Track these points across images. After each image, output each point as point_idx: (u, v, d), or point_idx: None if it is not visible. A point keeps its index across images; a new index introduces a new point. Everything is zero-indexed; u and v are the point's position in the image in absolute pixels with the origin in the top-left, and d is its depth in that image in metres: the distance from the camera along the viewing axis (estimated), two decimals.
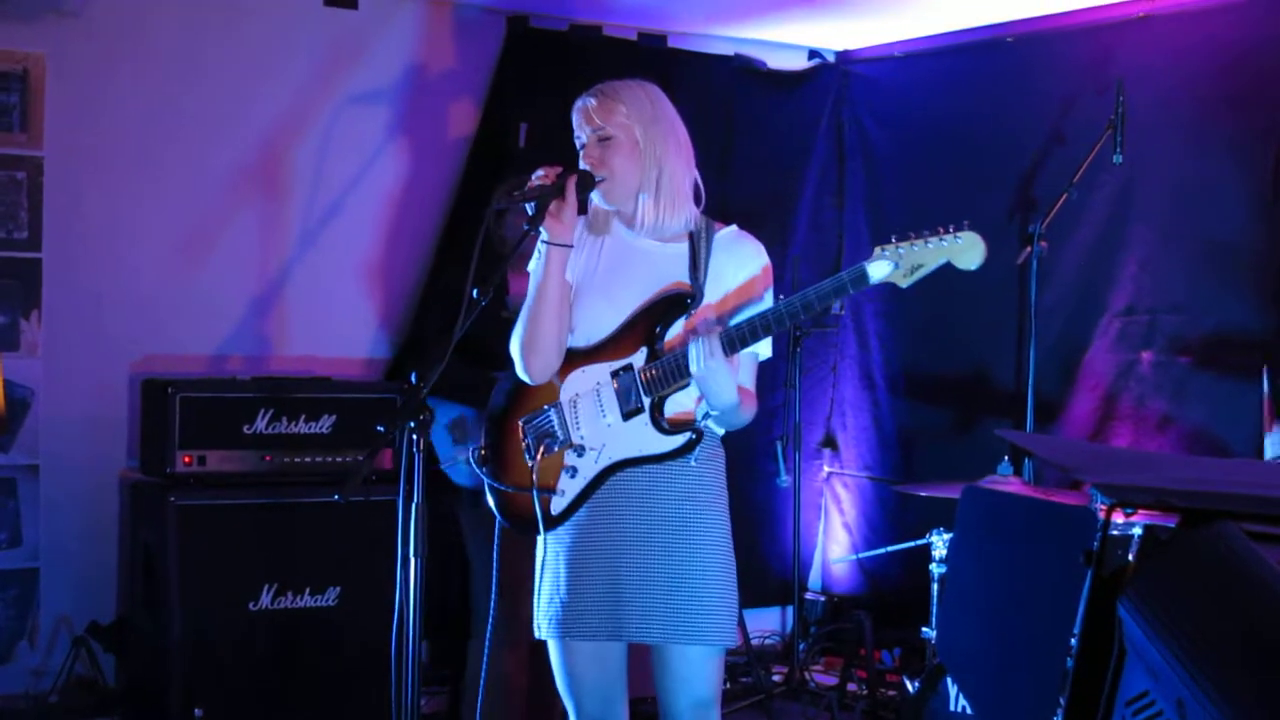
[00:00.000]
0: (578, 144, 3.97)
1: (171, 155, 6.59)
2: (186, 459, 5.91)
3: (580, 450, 3.91)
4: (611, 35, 7.29)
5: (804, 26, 7.39)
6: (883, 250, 3.63)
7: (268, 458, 6.04)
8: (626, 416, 3.86)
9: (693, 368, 3.72)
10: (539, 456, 3.95)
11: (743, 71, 7.65)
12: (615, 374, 3.88)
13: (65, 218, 6.39)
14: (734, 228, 4.00)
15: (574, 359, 3.95)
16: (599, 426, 3.90)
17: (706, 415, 3.86)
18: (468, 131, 7.13)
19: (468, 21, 7.13)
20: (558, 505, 3.93)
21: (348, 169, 6.94)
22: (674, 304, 3.87)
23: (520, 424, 4.01)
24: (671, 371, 3.80)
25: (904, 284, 3.65)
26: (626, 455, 3.86)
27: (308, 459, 6.10)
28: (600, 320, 3.93)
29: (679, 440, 3.82)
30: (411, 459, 3.66)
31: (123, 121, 6.50)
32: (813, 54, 7.87)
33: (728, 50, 7.60)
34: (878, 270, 3.62)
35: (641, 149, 3.91)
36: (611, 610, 3.87)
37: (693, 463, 3.85)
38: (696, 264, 3.89)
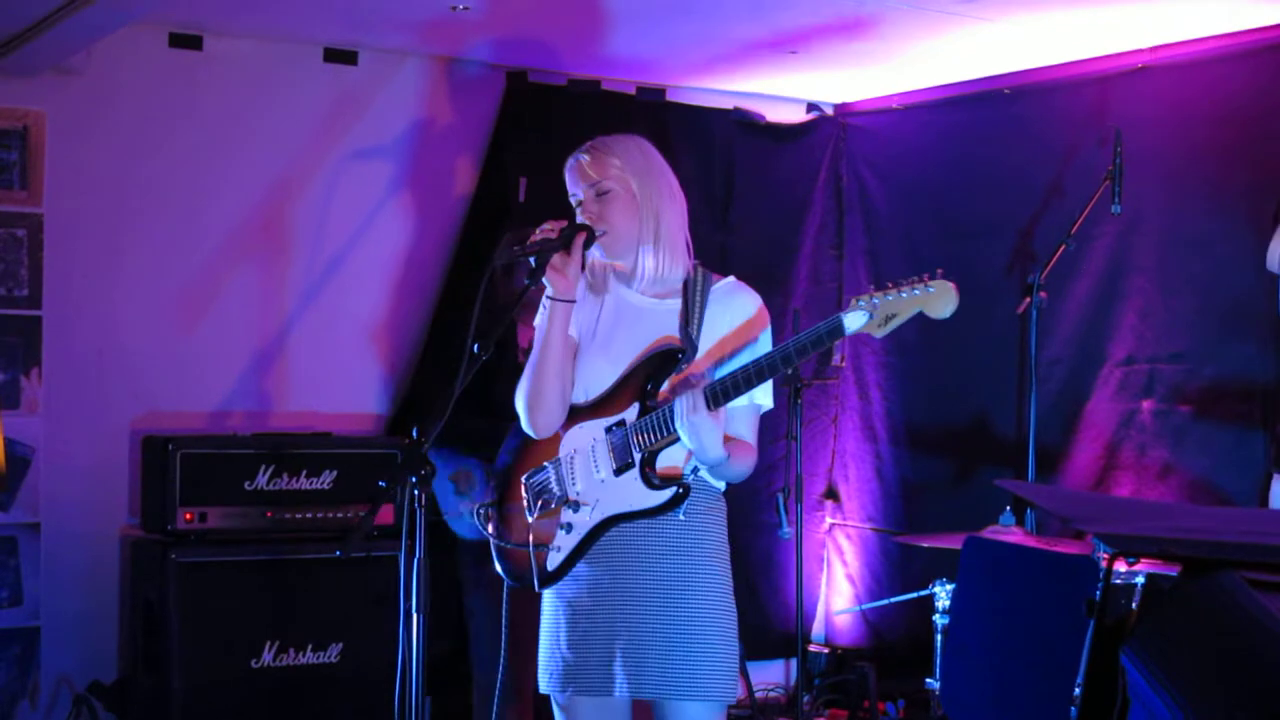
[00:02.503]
0: (573, 200, 3.98)
1: (172, 211, 6.61)
2: (187, 516, 5.90)
3: (576, 506, 3.92)
4: (610, 90, 7.31)
5: (802, 79, 7.41)
6: (859, 301, 3.62)
7: (269, 514, 6.04)
8: (619, 472, 3.86)
9: (676, 423, 3.73)
10: (537, 513, 3.97)
11: (741, 124, 7.67)
12: (609, 429, 3.89)
13: (65, 275, 6.40)
14: (731, 279, 4.02)
15: (574, 415, 3.97)
16: (593, 482, 3.90)
17: (695, 469, 3.85)
18: (468, 186, 7.14)
19: (467, 77, 7.15)
20: (553, 561, 3.94)
21: (348, 224, 6.95)
22: (666, 359, 3.88)
23: (522, 481, 4.02)
24: (659, 426, 3.80)
25: (879, 334, 3.63)
26: (617, 510, 3.86)
27: (309, 515, 6.10)
28: (599, 377, 3.95)
29: (665, 495, 3.81)
30: (413, 514, 3.65)
31: (123, 178, 6.51)
32: (811, 106, 7.89)
33: (726, 103, 7.62)
34: (853, 321, 3.60)
35: (639, 201, 3.92)
36: (610, 665, 3.87)
37: (681, 516, 3.83)
38: (690, 317, 3.90)
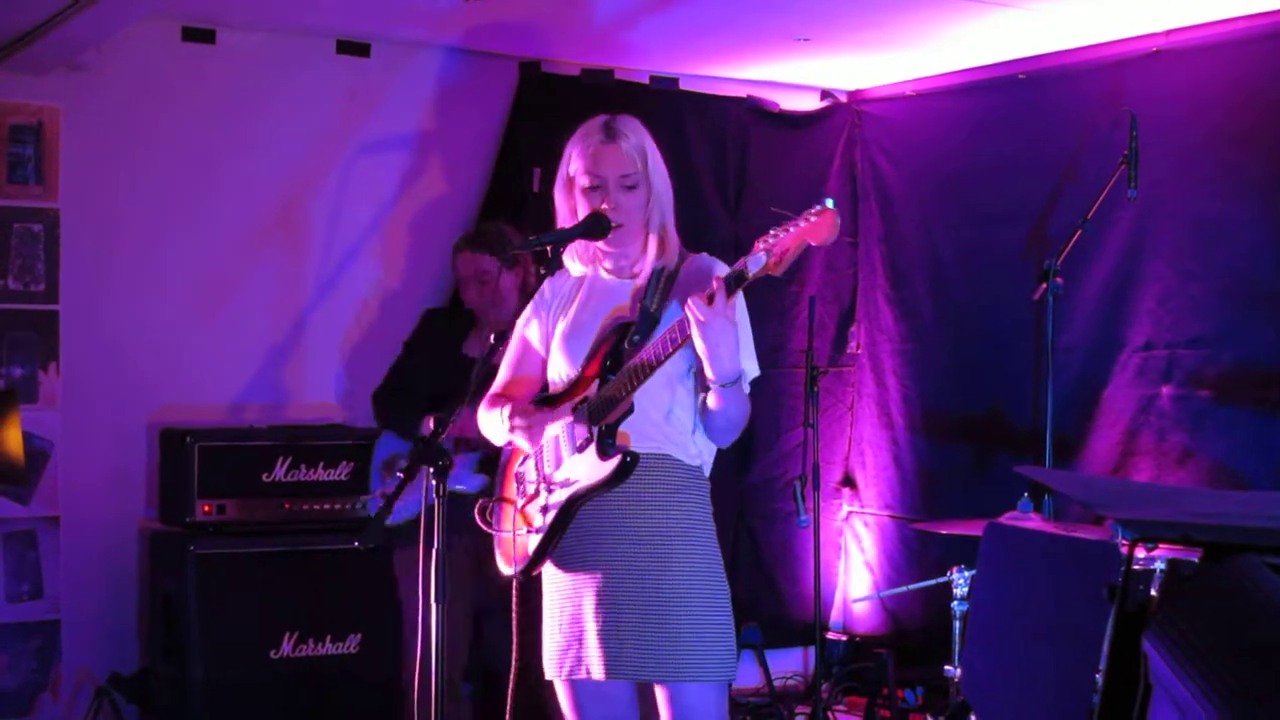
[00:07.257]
0: (592, 178, 3.95)
1: (187, 205, 6.61)
2: (206, 508, 5.92)
3: (551, 488, 3.94)
4: (624, 79, 7.30)
5: (816, 66, 7.40)
6: (760, 244, 3.61)
7: (287, 505, 6.06)
8: (580, 448, 3.87)
9: (693, 332, 3.63)
10: (523, 501, 4.02)
11: (755, 112, 7.65)
12: (575, 409, 3.91)
13: (82, 269, 6.41)
14: (704, 255, 4.03)
15: (554, 401, 4.00)
16: (562, 462, 3.93)
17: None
18: (482, 176, 7.14)
19: (480, 67, 7.14)
20: (534, 543, 3.98)
21: (363, 216, 6.96)
22: (618, 333, 3.88)
23: (513, 472, 4.10)
24: (614, 393, 3.79)
25: (778, 272, 3.61)
26: (576, 487, 3.88)
27: (327, 506, 6.12)
28: (574, 362, 3.98)
29: (612, 464, 3.78)
30: (431, 505, 3.66)
31: (138, 172, 6.52)
32: (825, 94, 7.88)
33: (740, 91, 7.60)
34: (754, 264, 3.60)
35: (652, 195, 3.95)
36: (589, 647, 3.89)
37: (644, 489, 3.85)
38: (650, 291, 3.90)
